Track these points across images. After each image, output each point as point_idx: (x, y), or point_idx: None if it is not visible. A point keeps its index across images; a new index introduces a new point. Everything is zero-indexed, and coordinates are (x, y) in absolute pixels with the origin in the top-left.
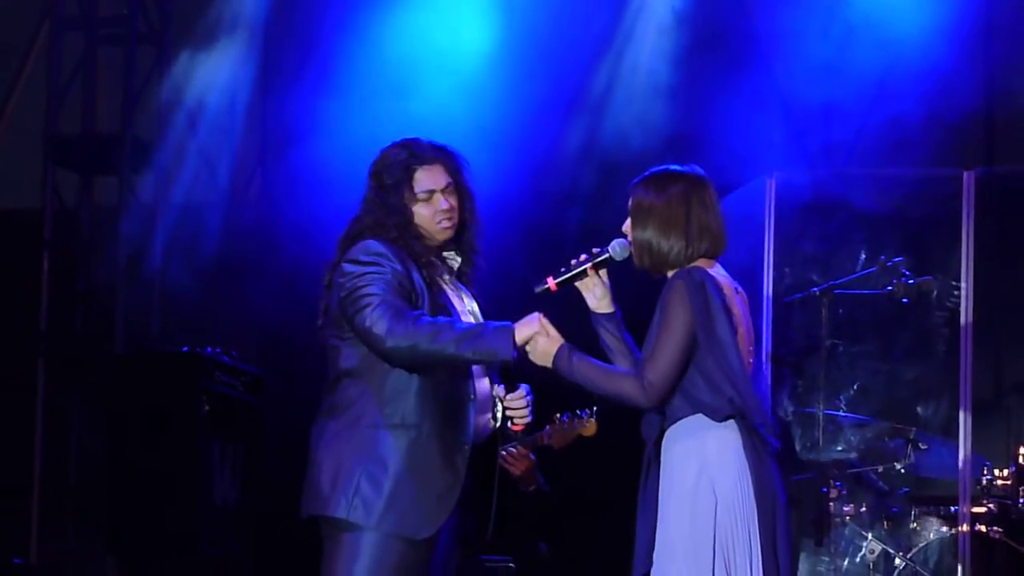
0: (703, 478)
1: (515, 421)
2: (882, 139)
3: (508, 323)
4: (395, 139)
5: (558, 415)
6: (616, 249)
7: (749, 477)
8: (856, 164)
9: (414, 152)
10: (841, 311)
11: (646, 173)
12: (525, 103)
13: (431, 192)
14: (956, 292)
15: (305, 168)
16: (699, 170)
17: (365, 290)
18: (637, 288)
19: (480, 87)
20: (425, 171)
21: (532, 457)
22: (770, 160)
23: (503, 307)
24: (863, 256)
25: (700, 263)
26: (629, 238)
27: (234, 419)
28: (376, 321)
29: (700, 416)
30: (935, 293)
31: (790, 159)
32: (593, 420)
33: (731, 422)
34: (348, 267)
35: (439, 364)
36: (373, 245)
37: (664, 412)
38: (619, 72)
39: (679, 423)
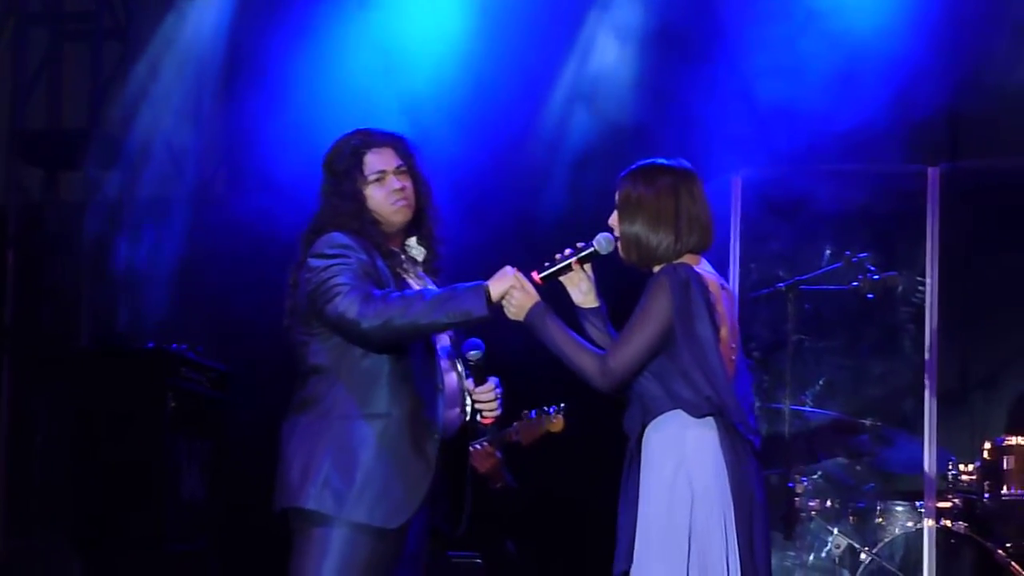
0: (680, 474)
1: (484, 414)
2: (848, 136)
3: (479, 281)
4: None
5: (525, 412)
6: (601, 243)
7: (726, 474)
8: (822, 161)
9: (363, 137)
10: (807, 307)
11: (634, 166)
12: (493, 96)
13: (382, 173)
14: (921, 288)
15: (271, 162)
16: (687, 164)
17: (333, 280)
18: (621, 282)
19: (450, 78)
20: (375, 154)
21: (498, 455)
22: (736, 158)
23: None
24: (828, 252)
25: (687, 259)
26: (615, 232)
27: (200, 415)
28: (348, 307)
29: (680, 412)
30: (900, 289)
31: (756, 157)
32: (560, 416)
33: (710, 419)
34: (314, 262)
35: (416, 335)
36: (337, 237)
37: (646, 407)
38: (585, 68)
39: (659, 418)
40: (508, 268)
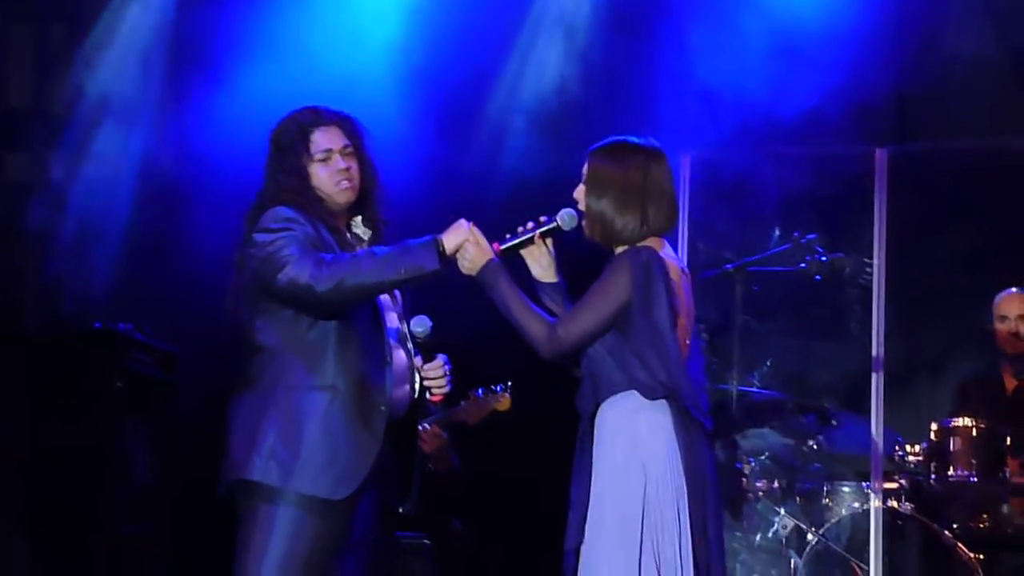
0: (634, 456)
1: (433, 391)
2: (795, 117)
3: (431, 236)
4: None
5: (472, 390)
6: (564, 219)
7: (679, 456)
8: (769, 142)
9: (311, 114)
10: (755, 288)
11: (604, 141)
12: (440, 77)
13: (328, 152)
14: (868, 269)
15: (218, 139)
16: (656, 143)
17: (281, 252)
18: (580, 258)
19: (395, 61)
20: (322, 131)
21: (444, 435)
22: (683, 138)
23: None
24: (777, 233)
25: (651, 242)
26: (580, 206)
27: (148, 397)
28: (299, 272)
29: (634, 393)
30: (848, 270)
31: (703, 137)
32: (507, 395)
33: (663, 402)
34: (260, 236)
35: (370, 293)
36: (282, 211)
37: (599, 386)
38: (533, 50)
39: (613, 398)
40: (463, 221)
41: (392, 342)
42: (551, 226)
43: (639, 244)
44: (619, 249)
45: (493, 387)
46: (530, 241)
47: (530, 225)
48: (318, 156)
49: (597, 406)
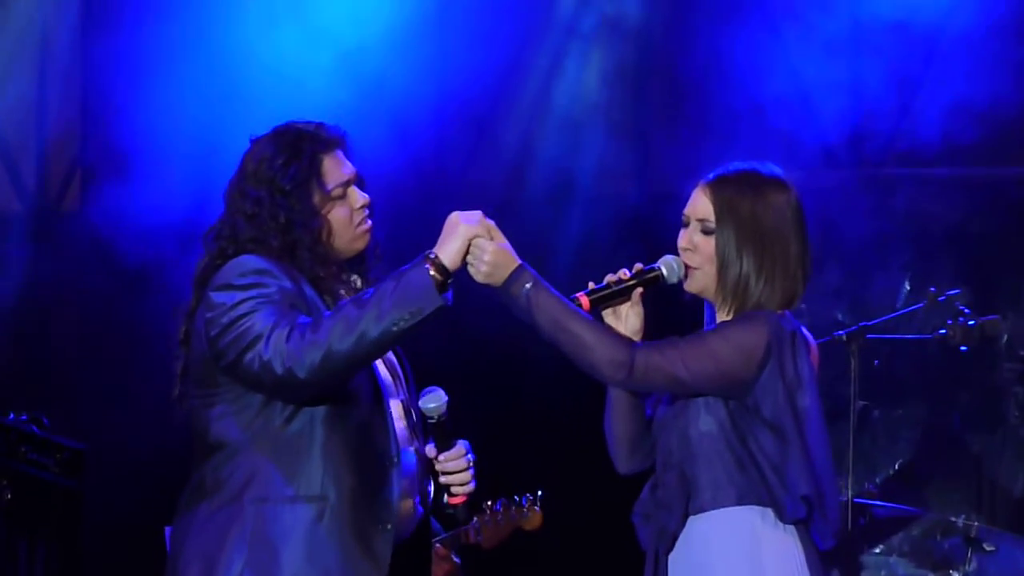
0: None
1: (453, 491)
2: (929, 127)
3: (420, 255)
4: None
5: (489, 503)
6: (672, 267)
7: None
8: (897, 163)
9: (315, 133)
10: (876, 363)
11: (732, 169)
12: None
13: (345, 186)
14: None
15: (138, 170)
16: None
17: (249, 321)
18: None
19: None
20: (331, 160)
21: (456, 559)
22: (772, 154)
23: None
24: (906, 288)
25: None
26: (689, 258)
27: (46, 509)
28: (274, 354)
29: (755, 509)
30: (1005, 338)
31: (801, 154)
32: (537, 509)
33: (792, 526)
34: (219, 296)
35: (367, 357)
36: (250, 261)
37: (694, 490)
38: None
39: (717, 514)
40: (464, 214)
41: (399, 429)
42: (652, 275)
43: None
44: (731, 315)
45: (518, 498)
46: (624, 293)
47: (625, 273)
48: (335, 193)
49: (685, 520)
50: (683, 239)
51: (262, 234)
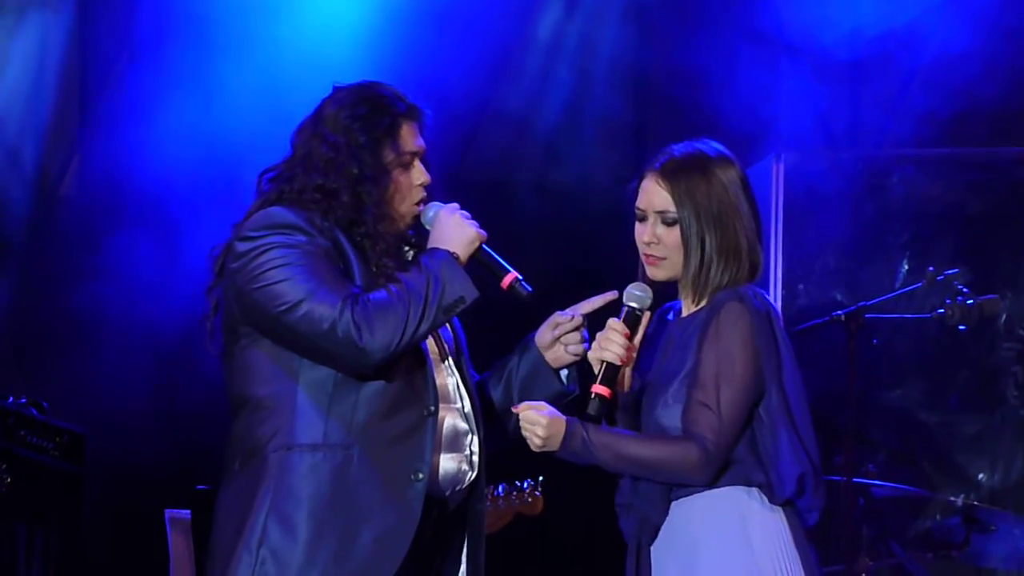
0: None
1: (568, 348)
2: (930, 108)
3: (439, 251)
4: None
5: (490, 487)
6: (640, 295)
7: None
8: (897, 142)
9: (404, 100)
10: (875, 342)
11: (679, 150)
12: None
13: (415, 155)
14: None
15: (137, 153)
16: (725, 150)
17: (294, 282)
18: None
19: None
20: (409, 127)
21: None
22: (775, 137)
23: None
24: (905, 268)
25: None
26: (655, 250)
27: (46, 493)
28: (351, 326)
29: (740, 490)
30: (1004, 318)
31: (803, 135)
32: (538, 494)
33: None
34: (242, 246)
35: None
36: (281, 214)
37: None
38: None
39: (701, 496)
40: (449, 206)
41: (439, 388)
42: (631, 315)
43: (738, 287)
44: (701, 302)
45: (519, 483)
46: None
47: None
48: (406, 159)
49: (668, 505)
50: (645, 234)
51: (331, 182)
